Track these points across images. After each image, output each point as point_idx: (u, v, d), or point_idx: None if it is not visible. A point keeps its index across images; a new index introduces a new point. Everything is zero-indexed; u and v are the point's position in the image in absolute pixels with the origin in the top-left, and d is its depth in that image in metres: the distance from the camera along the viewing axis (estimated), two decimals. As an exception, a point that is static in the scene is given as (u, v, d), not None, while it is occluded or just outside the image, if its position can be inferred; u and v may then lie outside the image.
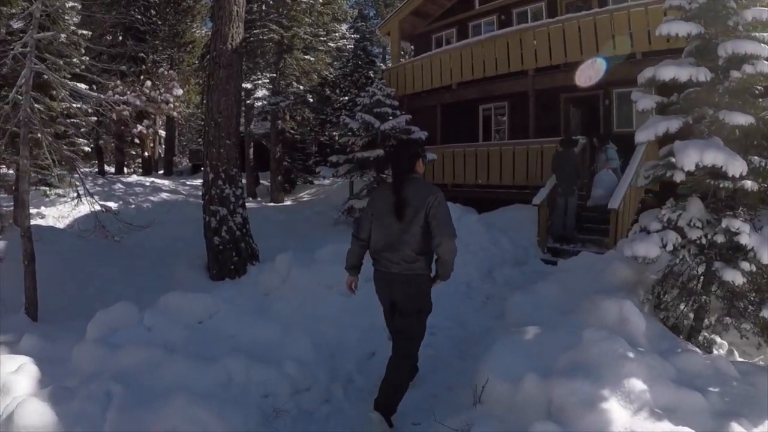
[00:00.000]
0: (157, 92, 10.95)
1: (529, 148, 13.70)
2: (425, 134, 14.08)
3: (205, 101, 11.46)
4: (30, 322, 7.43)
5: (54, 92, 10.17)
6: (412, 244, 4.14)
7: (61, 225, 14.64)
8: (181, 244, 12.35)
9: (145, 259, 11.68)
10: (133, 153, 33.91)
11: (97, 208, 8.70)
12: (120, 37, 24.27)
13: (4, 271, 8.66)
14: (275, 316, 6.42)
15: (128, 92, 10.02)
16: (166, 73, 11.14)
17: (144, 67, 22.78)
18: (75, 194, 11.11)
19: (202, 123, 12.35)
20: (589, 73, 12.88)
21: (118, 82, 11.50)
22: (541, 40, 14.07)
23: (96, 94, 9.55)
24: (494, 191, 14.58)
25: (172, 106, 11.30)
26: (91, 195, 8.92)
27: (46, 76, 8.39)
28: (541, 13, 16.32)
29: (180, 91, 11.22)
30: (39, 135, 7.93)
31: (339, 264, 7.95)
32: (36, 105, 8.03)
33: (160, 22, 28.02)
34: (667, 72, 5.72)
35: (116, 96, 9.55)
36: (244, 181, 23.36)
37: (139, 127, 13.27)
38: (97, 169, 30.22)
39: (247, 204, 19.40)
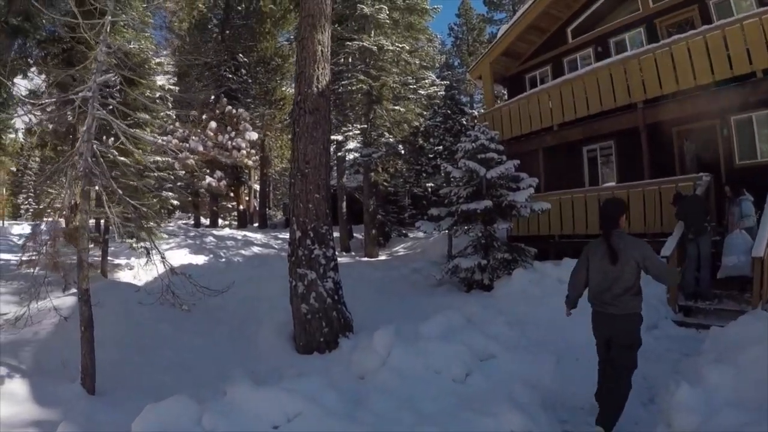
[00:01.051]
0: (225, 136, 9.50)
1: (645, 191, 12.60)
2: (536, 181, 13.12)
3: (291, 151, 10.29)
4: (84, 395, 6.54)
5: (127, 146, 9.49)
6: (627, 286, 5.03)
7: (142, 281, 13.83)
8: (266, 305, 11.09)
9: (225, 325, 10.53)
10: (229, 206, 34.80)
11: (163, 267, 7.97)
12: (212, 97, 24.68)
13: (72, 330, 7.56)
14: (373, 416, 5.38)
15: (192, 137, 8.95)
16: (234, 111, 9.68)
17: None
18: (144, 251, 10.53)
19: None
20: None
21: (177, 124, 10.61)
22: (647, 68, 13.08)
23: (152, 137, 8.89)
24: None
25: (245, 152, 9.77)
26: (161, 253, 8.26)
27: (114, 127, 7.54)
28: (641, 40, 15.32)
29: (254, 135, 9.89)
30: (98, 187, 7.14)
31: (449, 342, 7.36)
32: (101, 156, 7.33)
33: (250, 80, 28.73)
34: None
35: (175, 141, 8.57)
36: (336, 234, 23.22)
37: (208, 179, 11.87)
38: (192, 221, 31.05)
39: (340, 259, 18.92)
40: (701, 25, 12.71)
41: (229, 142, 9.22)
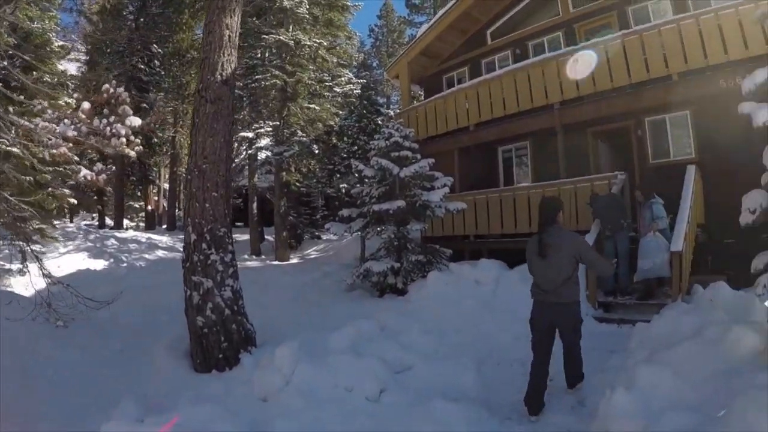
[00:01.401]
0: (103, 121, 8.22)
1: (560, 190, 12.42)
2: (451, 180, 12.58)
3: (189, 144, 9.04)
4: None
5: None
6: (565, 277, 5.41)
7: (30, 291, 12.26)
8: (165, 317, 9.89)
9: (118, 340, 9.00)
10: (137, 207, 32.94)
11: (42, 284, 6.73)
12: (122, 87, 23.25)
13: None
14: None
15: (64, 121, 7.71)
16: (113, 91, 8.26)
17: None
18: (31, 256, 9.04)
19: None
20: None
21: (45, 104, 9.11)
22: (565, 70, 12.99)
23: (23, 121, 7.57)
24: (524, 240, 12.99)
25: (124, 141, 8.40)
26: (38, 258, 7.06)
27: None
28: (559, 44, 15.24)
29: (137, 121, 8.53)
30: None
31: (361, 355, 6.51)
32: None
33: (163, 73, 27.30)
34: None
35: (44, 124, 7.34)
36: (247, 237, 22.49)
37: (84, 172, 10.05)
38: (97, 222, 29.16)
39: (250, 263, 17.76)
40: (619, 30, 12.92)
41: (108, 129, 8.01)
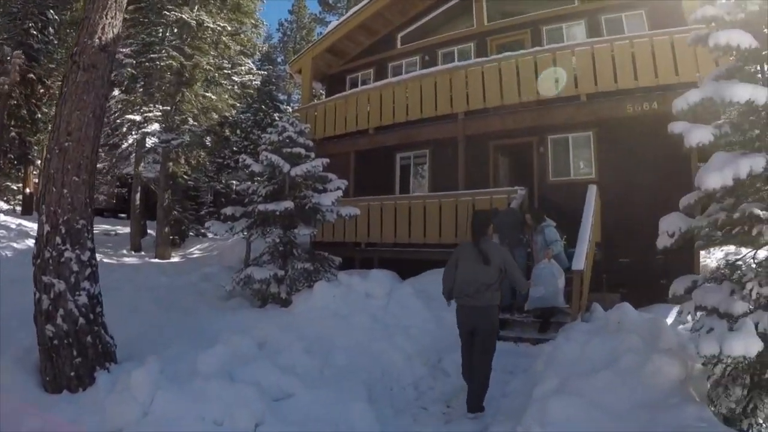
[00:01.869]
0: None
1: (458, 201, 12.05)
2: (345, 183, 11.56)
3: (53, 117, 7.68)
4: None
5: None
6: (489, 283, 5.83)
7: None
8: (15, 322, 7.99)
9: None
10: (15, 188, 29.92)
11: None
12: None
13: None
14: None
15: None
16: None
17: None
18: None
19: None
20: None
21: None
22: (473, 80, 12.84)
23: None
24: (417, 251, 12.75)
25: None
26: None
27: None
28: (470, 55, 14.94)
29: None
30: None
31: (234, 379, 5.53)
32: None
33: (57, 42, 24.93)
34: (740, 92, 4.46)
35: None
36: (127, 229, 20.63)
37: None
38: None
39: (127, 259, 16.26)
40: (531, 47, 12.93)
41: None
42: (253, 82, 20.47)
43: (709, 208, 5.31)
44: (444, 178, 13.66)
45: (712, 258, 16.56)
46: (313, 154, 11.30)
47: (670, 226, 5.38)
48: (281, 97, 28.11)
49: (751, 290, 4.49)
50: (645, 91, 10.90)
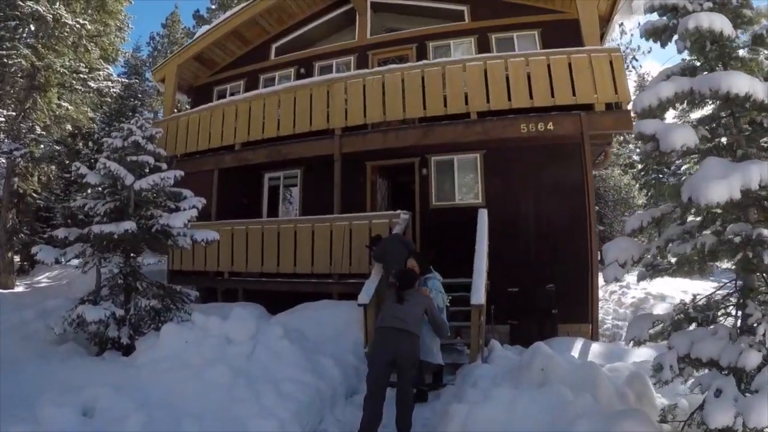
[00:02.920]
0: None
1: (333, 226, 10.89)
2: (202, 201, 9.49)
3: None
4: None
5: None
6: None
7: None
8: None
9: None
10: None
11: None
12: None
13: None
14: None
15: None
16: None
17: None
18: None
19: None
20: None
21: None
22: (353, 94, 11.79)
23: None
24: (288, 281, 11.24)
25: None
26: None
27: None
28: (349, 68, 13.87)
29: None
30: None
31: None
32: None
33: None
34: (740, 83, 3.77)
35: None
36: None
37: None
38: None
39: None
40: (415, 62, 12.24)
41: None
42: (111, 90, 18.13)
43: (668, 231, 4.50)
44: (317, 202, 12.34)
45: (616, 287, 16.31)
46: (164, 165, 9.39)
47: (621, 254, 4.50)
48: (147, 114, 25.60)
49: (764, 334, 3.64)
50: (540, 111, 10.36)
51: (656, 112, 4.35)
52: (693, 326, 4.49)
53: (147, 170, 9.05)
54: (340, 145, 11.62)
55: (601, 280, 11.94)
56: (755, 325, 3.78)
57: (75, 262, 9.87)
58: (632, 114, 9.09)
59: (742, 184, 3.48)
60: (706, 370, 4.00)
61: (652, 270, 4.65)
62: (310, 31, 15.23)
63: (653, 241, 4.56)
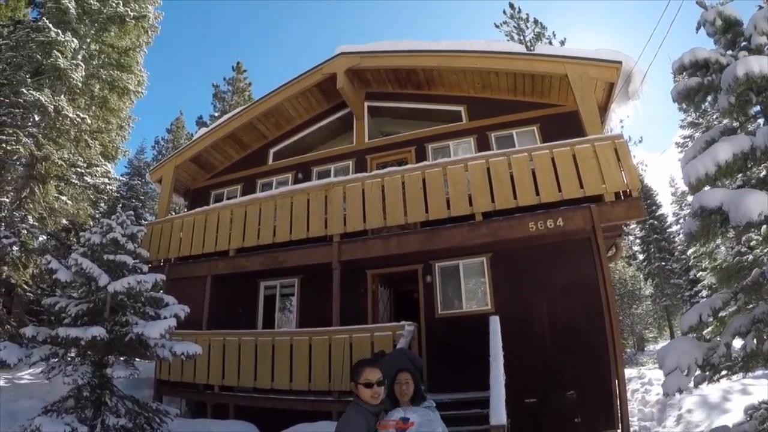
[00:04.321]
0: None
1: (332, 339, 9.70)
2: (186, 309, 8.51)
3: None
4: None
5: None
6: None
7: None
8: None
9: None
10: None
11: None
12: None
13: None
14: None
15: None
16: None
17: None
18: None
19: None
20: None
21: None
22: (352, 198, 11.13)
23: None
24: (283, 398, 9.96)
25: None
26: None
27: None
28: (348, 173, 13.29)
29: None
30: None
31: None
32: None
33: None
34: None
35: None
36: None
37: None
38: None
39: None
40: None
41: None
42: (108, 187, 17.45)
43: (735, 322, 3.64)
44: (315, 312, 11.40)
45: (638, 385, 15.03)
46: (145, 267, 8.40)
47: (683, 358, 3.60)
48: (148, 217, 25.13)
49: None
50: (548, 207, 9.69)
51: (708, 182, 3.56)
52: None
53: (126, 272, 8.06)
54: (338, 252, 10.75)
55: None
56: None
57: (13, 363, 8.64)
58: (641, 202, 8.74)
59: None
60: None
61: (712, 371, 3.70)
62: (307, 137, 14.94)
63: (719, 338, 3.79)
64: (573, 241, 9.99)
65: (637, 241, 36.48)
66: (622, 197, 9.52)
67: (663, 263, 33.06)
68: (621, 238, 11.38)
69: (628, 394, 13.72)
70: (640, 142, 40.47)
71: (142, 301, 8.27)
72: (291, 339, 10.26)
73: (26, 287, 16.43)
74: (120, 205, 17.40)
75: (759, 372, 13.33)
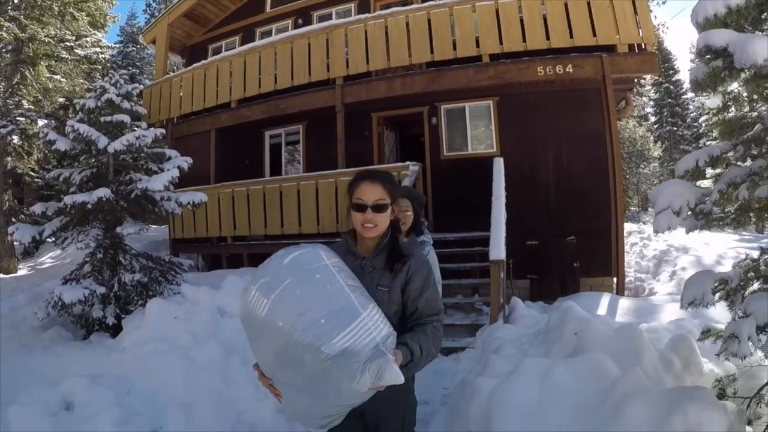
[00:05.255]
0: None
1: (338, 181, 9.67)
2: (188, 161, 8.07)
3: None
4: None
5: None
6: None
7: None
8: None
9: None
10: None
11: None
12: None
13: None
14: None
15: None
16: None
17: None
18: None
19: None
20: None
21: None
22: (355, 40, 10.59)
23: None
24: (293, 243, 9.74)
25: None
26: None
27: None
28: (350, 16, 12.31)
29: None
30: None
31: None
32: None
33: None
34: None
35: None
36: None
37: None
38: None
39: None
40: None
41: None
42: (101, 56, 16.70)
43: (731, 172, 3.33)
44: (321, 159, 11.27)
45: (637, 239, 15.15)
46: (144, 125, 8.05)
47: (676, 199, 3.30)
48: (147, 82, 24.50)
49: None
50: (558, 52, 9.25)
51: (721, 22, 3.13)
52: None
53: (126, 131, 7.76)
54: (341, 95, 10.43)
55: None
56: None
57: (28, 242, 8.65)
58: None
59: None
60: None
61: (705, 220, 3.46)
62: (307, -22, 13.92)
63: (715, 184, 3.45)
64: (583, 91, 9.69)
65: (651, 102, 35.52)
66: (636, 50, 9.11)
67: (674, 128, 32.30)
68: (632, 93, 11.05)
69: (627, 247, 14.02)
70: (663, 3, 37.68)
71: (144, 157, 8.03)
72: (298, 184, 10.33)
73: (33, 174, 16.34)
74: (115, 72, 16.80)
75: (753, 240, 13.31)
